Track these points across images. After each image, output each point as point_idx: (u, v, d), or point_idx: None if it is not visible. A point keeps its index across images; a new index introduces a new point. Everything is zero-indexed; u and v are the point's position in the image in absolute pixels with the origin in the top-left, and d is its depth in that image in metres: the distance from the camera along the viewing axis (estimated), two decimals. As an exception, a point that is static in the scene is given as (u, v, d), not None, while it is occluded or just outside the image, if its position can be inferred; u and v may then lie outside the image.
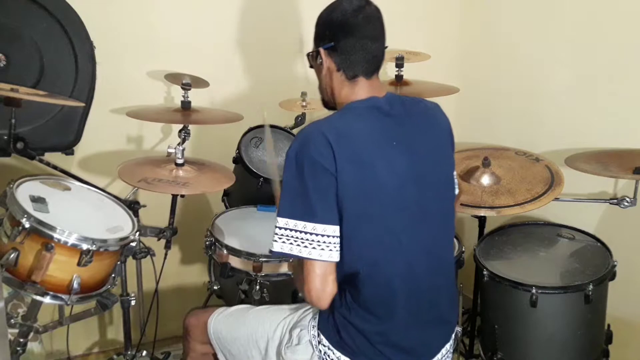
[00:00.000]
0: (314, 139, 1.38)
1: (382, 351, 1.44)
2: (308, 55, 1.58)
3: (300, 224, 1.37)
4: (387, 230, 1.42)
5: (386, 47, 1.53)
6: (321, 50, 1.50)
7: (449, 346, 1.56)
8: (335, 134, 1.38)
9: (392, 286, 1.43)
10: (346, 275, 1.43)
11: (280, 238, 1.39)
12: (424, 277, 1.48)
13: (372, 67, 1.50)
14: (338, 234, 1.38)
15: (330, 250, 1.38)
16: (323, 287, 1.40)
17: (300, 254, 1.38)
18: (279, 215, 1.40)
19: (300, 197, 1.37)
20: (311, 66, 1.60)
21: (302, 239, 1.37)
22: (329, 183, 1.36)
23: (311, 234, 1.37)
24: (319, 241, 1.37)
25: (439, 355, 1.52)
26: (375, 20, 1.49)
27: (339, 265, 1.42)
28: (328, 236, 1.37)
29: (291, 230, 1.37)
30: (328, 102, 1.59)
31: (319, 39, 1.52)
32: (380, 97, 1.50)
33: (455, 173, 1.64)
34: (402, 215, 1.43)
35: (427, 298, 1.49)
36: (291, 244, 1.38)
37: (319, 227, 1.36)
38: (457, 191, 1.67)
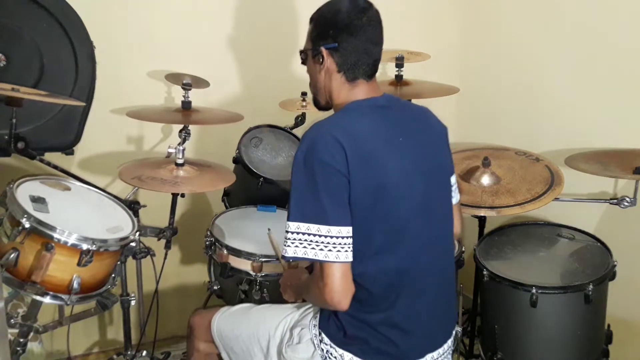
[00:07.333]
0: (323, 141, 1.36)
1: (387, 336, 1.43)
2: (302, 52, 1.56)
3: (313, 227, 1.34)
4: (395, 226, 1.42)
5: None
6: (323, 49, 1.48)
7: (450, 342, 1.57)
8: (344, 134, 1.36)
9: (397, 280, 1.43)
10: (355, 274, 1.42)
11: (292, 242, 1.36)
12: (428, 270, 1.48)
13: (372, 70, 1.50)
14: (351, 235, 1.37)
15: (346, 251, 1.36)
16: (344, 287, 1.37)
17: (316, 257, 1.35)
18: (290, 219, 1.36)
19: (312, 200, 1.35)
20: (303, 63, 1.58)
21: (316, 242, 1.34)
22: (341, 184, 1.35)
23: (326, 236, 1.34)
24: (334, 243, 1.34)
25: (440, 350, 1.53)
26: (377, 23, 1.49)
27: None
28: (343, 237, 1.35)
29: (304, 234, 1.35)
30: (322, 102, 1.58)
31: (320, 37, 1.49)
32: (380, 97, 1.50)
33: (455, 178, 1.63)
34: (410, 209, 1.43)
35: (429, 290, 1.49)
36: (305, 247, 1.35)
37: (334, 229, 1.34)
38: (458, 197, 1.67)
